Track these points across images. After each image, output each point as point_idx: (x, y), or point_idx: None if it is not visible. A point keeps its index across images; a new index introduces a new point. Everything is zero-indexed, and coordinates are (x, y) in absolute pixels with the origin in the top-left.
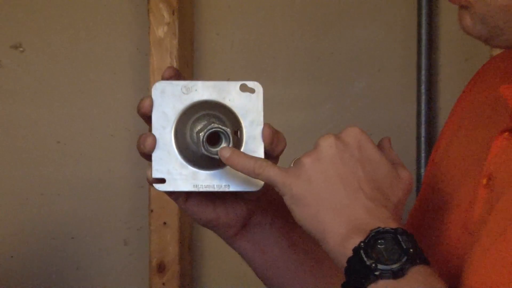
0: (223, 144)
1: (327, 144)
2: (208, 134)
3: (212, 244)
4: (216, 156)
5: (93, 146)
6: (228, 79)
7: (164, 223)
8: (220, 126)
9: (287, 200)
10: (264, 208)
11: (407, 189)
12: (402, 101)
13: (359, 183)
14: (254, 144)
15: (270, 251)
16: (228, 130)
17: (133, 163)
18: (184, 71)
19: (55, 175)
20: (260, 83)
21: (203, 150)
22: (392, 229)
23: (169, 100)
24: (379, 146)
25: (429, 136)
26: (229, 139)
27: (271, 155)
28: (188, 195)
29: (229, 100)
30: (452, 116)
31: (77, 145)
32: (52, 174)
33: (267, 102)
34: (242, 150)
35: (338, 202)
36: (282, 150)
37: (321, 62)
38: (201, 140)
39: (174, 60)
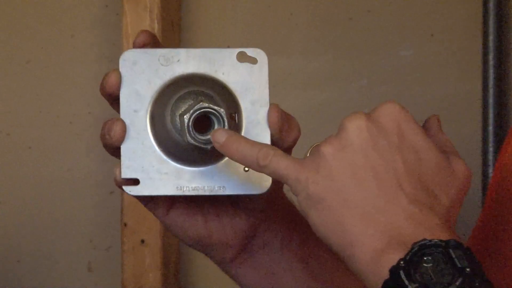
0: None
1: (356, 127)
2: (195, 117)
3: (204, 269)
4: (207, 147)
5: (46, 137)
6: (228, 47)
7: (142, 241)
8: (211, 105)
9: (301, 201)
10: (272, 221)
11: (463, 186)
12: (462, 75)
13: (399, 179)
14: (256, 131)
15: (281, 279)
16: (222, 110)
17: (100, 160)
18: (168, 35)
19: None
20: (270, 51)
21: (189, 139)
22: (442, 241)
23: (143, 74)
24: (425, 128)
25: (499, 123)
26: (224, 123)
27: (280, 146)
28: (170, 203)
29: (223, 73)
30: None
31: (25, 135)
32: None
33: (279, 77)
34: None
35: (370, 205)
36: (295, 141)
37: (353, 24)
38: (186, 125)
39: (155, 21)
